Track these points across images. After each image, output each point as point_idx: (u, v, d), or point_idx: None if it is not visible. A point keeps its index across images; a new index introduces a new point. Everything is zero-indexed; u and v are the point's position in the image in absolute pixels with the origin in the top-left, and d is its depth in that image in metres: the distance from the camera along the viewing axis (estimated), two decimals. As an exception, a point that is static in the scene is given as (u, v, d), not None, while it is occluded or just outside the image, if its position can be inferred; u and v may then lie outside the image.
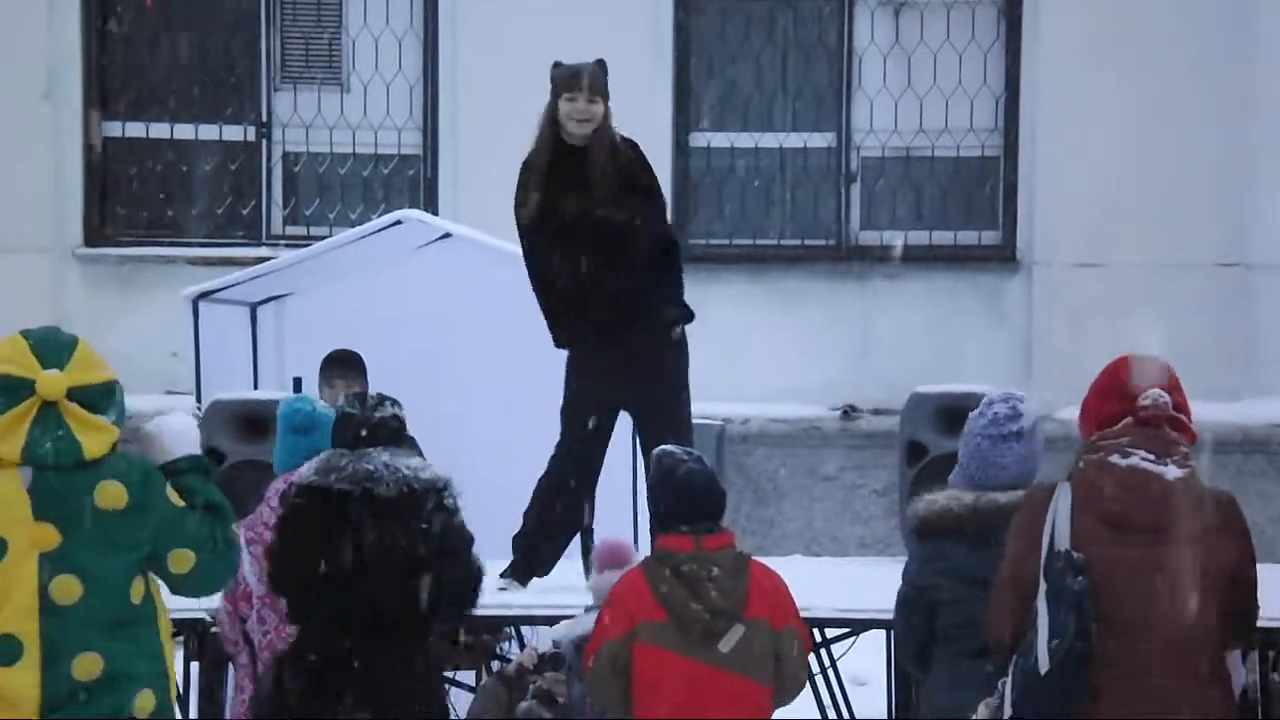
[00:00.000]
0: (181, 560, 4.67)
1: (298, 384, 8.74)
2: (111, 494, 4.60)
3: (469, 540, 5.27)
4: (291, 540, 5.22)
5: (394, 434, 5.33)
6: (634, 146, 7.02)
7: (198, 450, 4.86)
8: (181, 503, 4.71)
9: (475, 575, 5.28)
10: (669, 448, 5.47)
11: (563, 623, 6.04)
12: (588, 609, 5.89)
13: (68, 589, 4.56)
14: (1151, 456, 4.63)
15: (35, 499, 4.57)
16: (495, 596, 6.71)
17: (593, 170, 6.88)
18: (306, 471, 5.29)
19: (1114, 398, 4.74)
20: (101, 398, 4.67)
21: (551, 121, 6.96)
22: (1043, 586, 4.55)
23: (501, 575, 7.11)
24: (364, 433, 5.29)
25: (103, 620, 4.59)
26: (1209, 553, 4.60)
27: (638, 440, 7.26)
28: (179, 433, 4.85)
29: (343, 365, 8.13)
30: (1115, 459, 4.63)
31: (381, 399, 5.40)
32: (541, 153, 6.97)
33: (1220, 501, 4.69)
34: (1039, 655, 4.51)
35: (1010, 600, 4.63)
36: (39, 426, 4.59)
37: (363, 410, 5.34)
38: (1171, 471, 4.62)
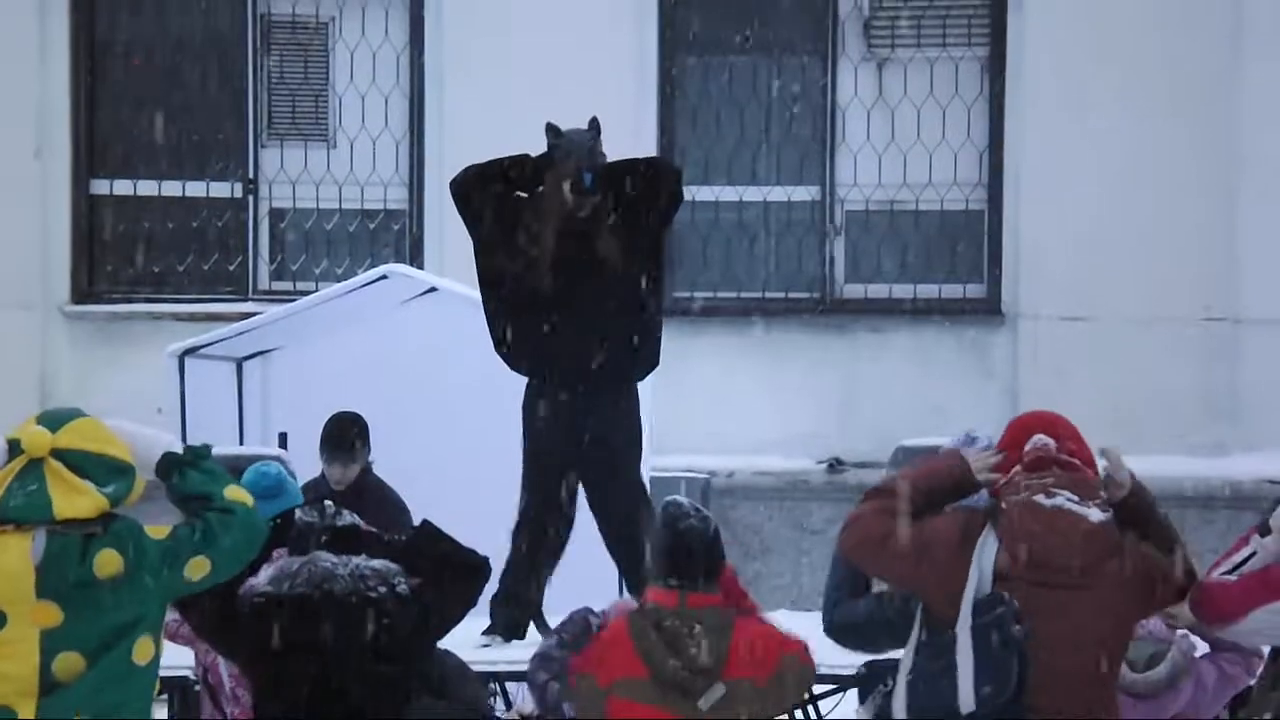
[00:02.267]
0: (199, 567, 4.69)
1: (283, 439, 8.76)
2: (107, 561, 4.59)
3: (430, 631, 5.23)
4: (256, 653, 5.14)
5: (355, 540, 5.30)
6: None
7: (167, 446, 4.82)
8: (164, 534, 4.70)
9: (445, 661, 5.28)
10: (678, 499, 5.45)
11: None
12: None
13: (70, 666, 4.55)
14: (1075, 498, 4.71)
15: (41, 574, 4.55)
16: (477, 654, 6.70)
17: (597, 243, 7.00)
18: (260, 582, 5.22)
19: (1010, 449, 4.88)
20: (96, 467, 4.66)
21: (558, 189, 7.04)
22: (966, 618, 4.60)
23: (484, 633, 7.11)
24: (325, 539, 5.27)
25: (102, 689, 4.57)
26: (1127, 595, 4.68)
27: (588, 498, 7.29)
28: (141, 437, 4.83)
29: (337, 445, 8.07)
30: (1040, 499, 4.71)
31: (338, 509, 5.38)
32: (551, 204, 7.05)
33: (1136, 545, 4.78)
34: (961, 693, 4.55)
35: (887, 524, 4.77)
36: (18, 480, 4.60)
37: (321, 518, 5.33)
38: (1095, 514, 4.71)
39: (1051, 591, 4.63)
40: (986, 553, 4.70)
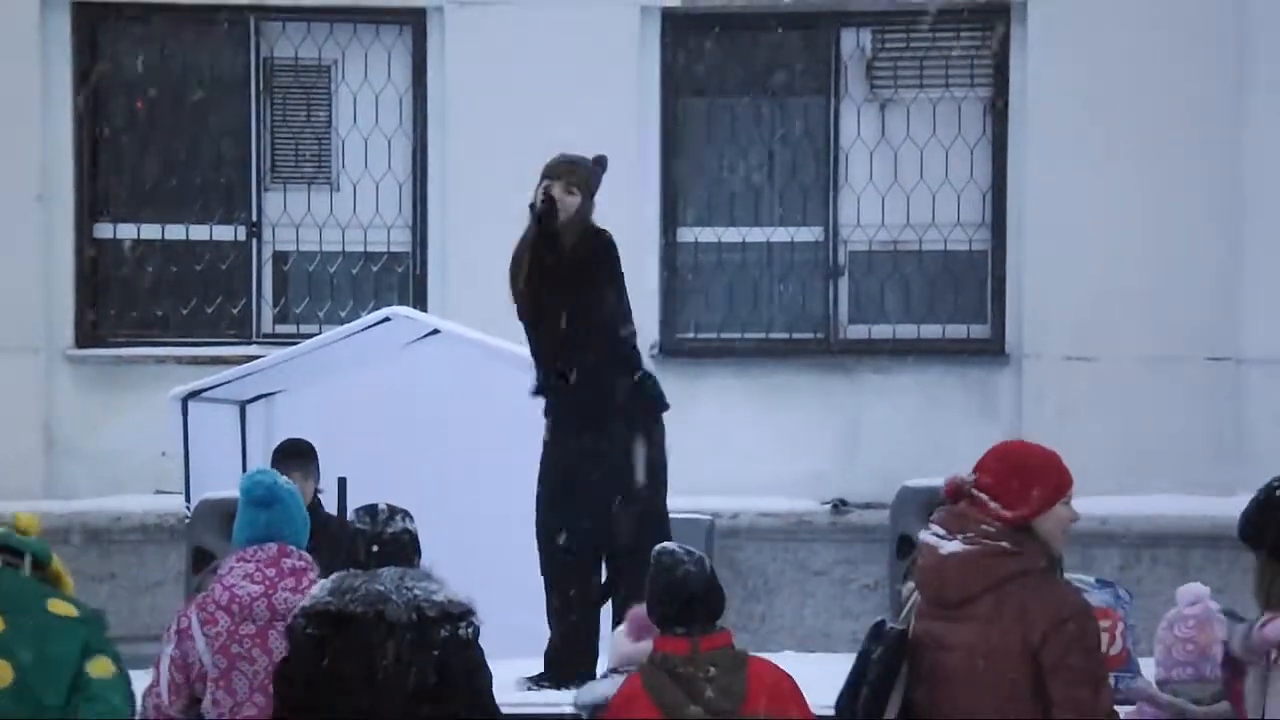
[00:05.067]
0: (103, 667, 4.73)
1: (342, 484, 8.70)
2: (63, 608, 4.75)
3: (487, 679, 5.10)
4: (302, 665, 5.04)
5: (406, 550, 5.18)
6: (604, 244, 7.15)
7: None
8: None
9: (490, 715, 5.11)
10: (670, 546, 5.44)
11: (586, 685, 6.05)
12: (607, 672, 5.86)
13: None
14: (942, 531, 4.81)
15: None
16: (518, 695, 6.70)
17: (561, 255, 7.06)
18: (319, 593, 5.12)
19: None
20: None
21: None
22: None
23: (531, 679, 7.13)
24: (375, 549, 5.14)
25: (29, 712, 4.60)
26: (994, 633, 4.69)
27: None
28: None
29: (298, 457, 8.11)
30: (922, 533, 4.88)
31: (392, 512, 5.23)
32: (529, 229, 7.17)
33: (1021, 584, 4.75)
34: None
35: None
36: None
37: (373, 525, 5.19)
38: (949, 546, 4.77)
39: (934, 624, 4.78)
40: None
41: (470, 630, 5.05)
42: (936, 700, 4.71)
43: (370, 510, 5.26)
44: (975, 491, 4.85)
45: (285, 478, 5.91)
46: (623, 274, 7.25)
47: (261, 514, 5.76)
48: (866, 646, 4.84)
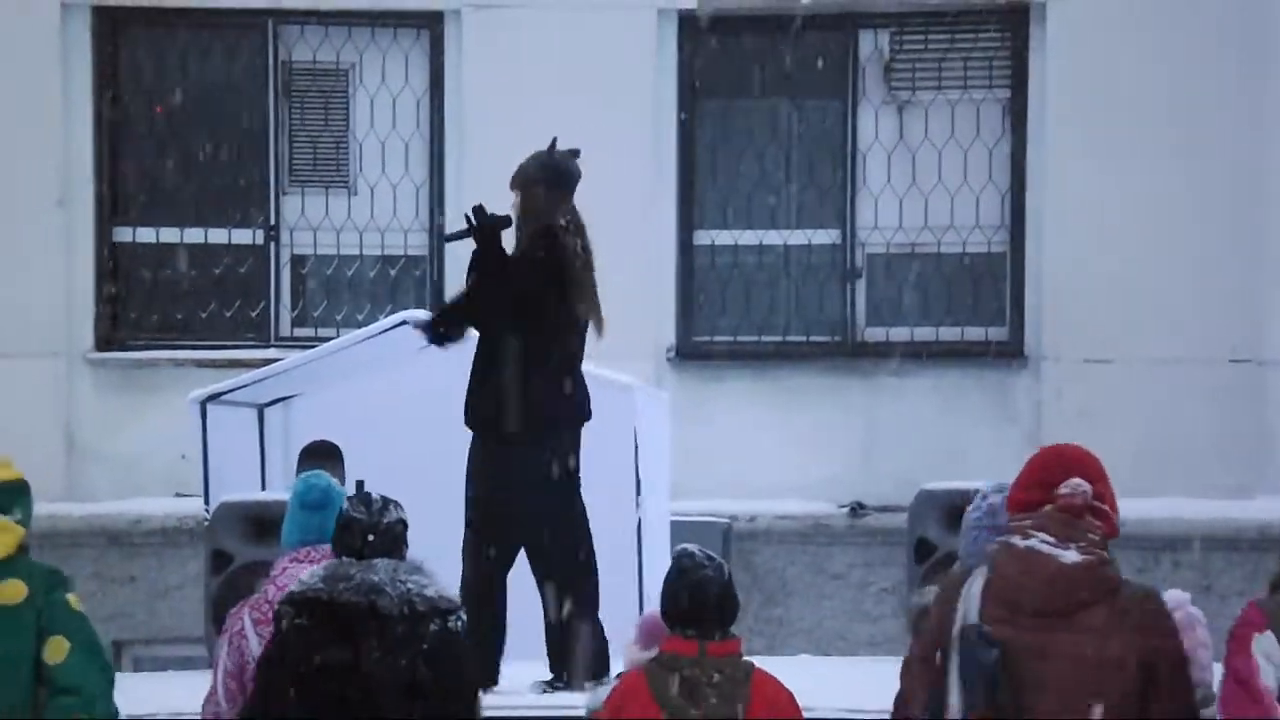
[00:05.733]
0: (57, 649, 4.71)
1: (359, 487, 8.70)
2: (10, 592, 4.65)
3: (473, 673, 5.11)
4: (288, 652, 5.02)
5: (399, 541, 5.18)
6: (548, 244, 7.19)
7: None
8: (81, 608, 4.74)
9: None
10: (690, 548, 5.43)
11: (596, 691, 6.03)
12: (618, 678, 5.85)
13: None
14: (1052, 540, 4.63)
15: None
16: (529, 698, 6.71)
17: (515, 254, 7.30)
18: (309, 579, 5.10)
19: (1034, 488, 4.74)
20: (6, 496, 4.72)
21: None
22: (955, 660, 4.56)
23: (545, 682, 7.14)
24: (371, 538, 5.13)
25: None
26: (1113, 644, 4.58)
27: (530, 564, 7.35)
28: None
29: (324, 458, 8.11)
30: (1016, 540, 4.65)
31: (386, 502, 5.23)
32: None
33: (1132, 595, 4.66)
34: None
35: (922, 676, 4.66)
36: None
37: (369, 515, 5.18)
38: (1069, 556, 4.61)
39: (1032, 634, 4.59)
40: (972, 596, 4.67)
41: (459, 624, 5.04)
42: (1035, 709, 4.54)
43: (365, 499, 5.24)
44: (1096, 503, 4.68)
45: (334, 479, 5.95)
46: (571, 274, 7.29)
47: (315, 517, 5.76)
48: (970, 653, 4.58)
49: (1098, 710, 4.54)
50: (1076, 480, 4.68)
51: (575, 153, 7.44)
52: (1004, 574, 4.64)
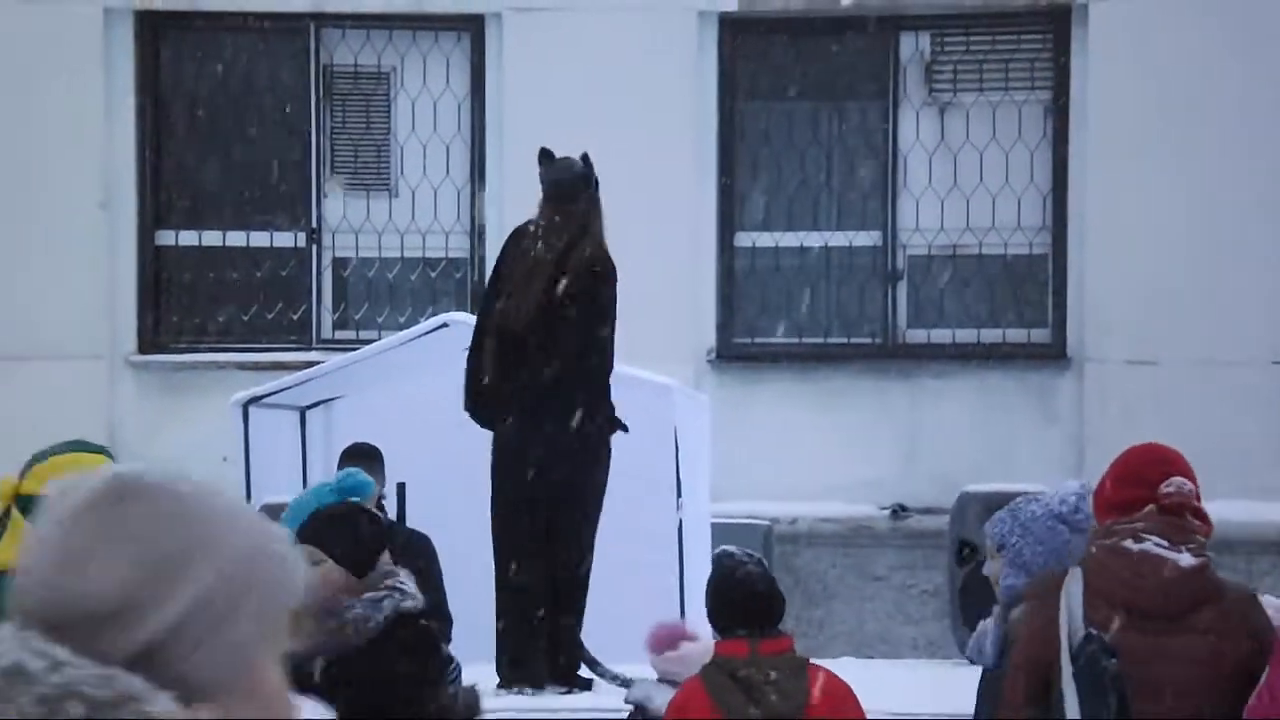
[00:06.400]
0: None
1: (401, 489, 8.71)
2: None
3: (442, 669, 5.05)
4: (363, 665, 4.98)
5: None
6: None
7: None
8: None
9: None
10: (729, 549, 5.44)
11: (638, 685, 5.98)
12: (659, 680, 5.83)
13: None
14: (1165, 543, 4.56)
15: None
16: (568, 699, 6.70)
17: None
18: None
19: (1134, 485, 4.68)
20: None
21: None
22: (1068, 669, 4.50)
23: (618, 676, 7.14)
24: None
25: None
26: (1224, 646, 4.55)
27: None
28: None
29: (365, 459, 8.12)
30: (1129, 544, 4.57)
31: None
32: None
33: (1238, 597, 4.64)
34: None
35: (1025, 685, 4.59)
36: None
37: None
38: (1185, 559, 4.56)
39: (1143, 636, 4.52)
40: (1074, 601, 4.59)
41: (433, 624, 5.06)
42: (1151, 713, 4.50)
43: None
44: (1198, 504, 4.64)
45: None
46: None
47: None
48: (1092, 662, 4.48)
49: (1208, 710, 4.50)
50: (1180, 479, 4.62)
51: (567, 158, 7.47)
52: (1112, 576, 4.57)
